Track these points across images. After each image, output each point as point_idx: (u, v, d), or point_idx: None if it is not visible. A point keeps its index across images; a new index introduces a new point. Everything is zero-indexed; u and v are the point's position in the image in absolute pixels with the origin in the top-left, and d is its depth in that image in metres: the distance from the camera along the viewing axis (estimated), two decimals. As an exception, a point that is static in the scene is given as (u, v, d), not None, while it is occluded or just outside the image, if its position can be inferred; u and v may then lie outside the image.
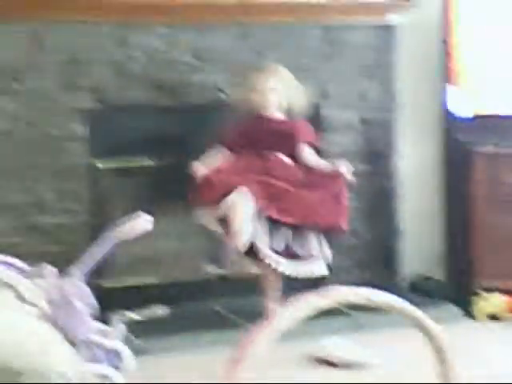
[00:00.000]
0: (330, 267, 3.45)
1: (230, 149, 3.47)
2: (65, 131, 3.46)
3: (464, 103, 3.82)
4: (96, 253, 2.57)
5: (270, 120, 3.46)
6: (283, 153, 3.46)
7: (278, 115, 3.49)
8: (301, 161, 3.46)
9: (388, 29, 3.88)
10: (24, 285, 1.54)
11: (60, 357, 1.39)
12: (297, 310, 1.19)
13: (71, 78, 3.45)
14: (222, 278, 3.51)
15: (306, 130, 3.51)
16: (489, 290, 3.66)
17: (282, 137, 3.43)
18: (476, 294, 3.64)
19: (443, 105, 3.92)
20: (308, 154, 3.48)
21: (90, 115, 3.50)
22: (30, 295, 1.48)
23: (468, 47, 3.80)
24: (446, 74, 3.85)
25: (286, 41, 3.75)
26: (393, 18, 3.87)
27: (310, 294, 1.23)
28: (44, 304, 1.52)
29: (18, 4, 3.34)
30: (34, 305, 1.50)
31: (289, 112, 3.48)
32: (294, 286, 3.52)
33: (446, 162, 4.06)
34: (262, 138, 3.44)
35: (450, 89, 3.82)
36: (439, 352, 1.30)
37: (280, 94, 3.44)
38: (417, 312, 1.29)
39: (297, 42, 3.76)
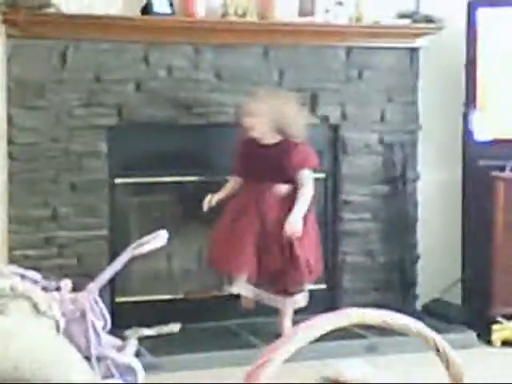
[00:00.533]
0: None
1: (239, 174, 3.48)
2: (86, 147, 3.47)
3: (485, 127, 3.80)
4: (113, 269, 2.57)
5: (265, 144, 3.41)
6: (279, 179, 3.40)
7: (271, 139, 3.41)
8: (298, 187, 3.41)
9: (411, 52, 3.87)
10: (40, 297, 1.54)
11: (73, 369, 1.38)
12: (311, 330, 1.17)
13: (94, 95, 3.47)
14: (237, 296, 3.49)
15: (301, 155, 3.42)
16: (506, 316, 3.62)
17: (274, 163, 3.38)
18: (494, 320, 3.60)
19: (464, 128, 3.90)
20: (302, 186, 3.40)
21: (110, 132, 3.51)
22: (45, 307, 1.47)
23: (490, 71, 3.78)
24: (467, 98, 3.83)
25: (308, 62, 3.75)
26: (416, 41, 3.86)
27: (325, 315, 1.21)
28: (59, 316, 1.51)
29: (44, 21, 3.36)
30: (49, 317, 1.50)
31: (286, 135, 3.41)
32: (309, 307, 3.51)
33: (466, 186, 4.02)
34: (255, 165, 3.41)
35: (471, 113, 3.80)
36: (455, 377, 1.28)
37: (270, 119, 3.37)
38: (433, 335, 1.27)
39: (319, 63, 3.76)
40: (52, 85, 3.41)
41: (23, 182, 3.40)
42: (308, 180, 3.42)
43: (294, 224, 3.32)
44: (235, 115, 3.55)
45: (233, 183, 3.50)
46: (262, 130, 3.39)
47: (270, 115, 3.37)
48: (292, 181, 3.41)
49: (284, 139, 3.41)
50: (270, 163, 3.38)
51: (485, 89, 3.79)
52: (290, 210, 3.35)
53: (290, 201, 3.39)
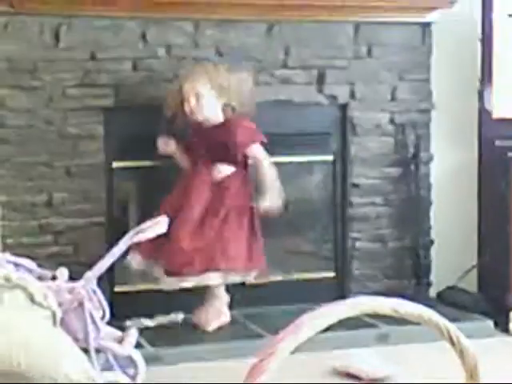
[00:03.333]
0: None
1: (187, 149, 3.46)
2: (82, 130, 3.47)
3: (502, 105, 3.79)
4: (111, 257, 2.58)
5: (206, 127, 3.38)
6: (228, 160, 3.37)
7: (215, 119, 3.38)
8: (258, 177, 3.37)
9: (423, 27, 3.86)
10: (35, 286, 1.55)
11: (69, 360, 1.39)
12: (319, 320, 1.17)
13: (89, 75, 3.47)
14: (243, 284, 3.50)
15: (246, 132, 3.37)
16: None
17: (221, 144, 3.35)
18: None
19: (480, 107, 3.89)
20: (261, 169, 3.36)
21: (107, 113, 3.51)
22: (40, 297, 1.48)
23: (507, 46, 3.77)
24: (483, 75, 3.82)
25: (315, 38, 3.74)
26: (428, 16, 3.85)
27: (333, 304, 1.21)
28: (55, 307, 1.52)
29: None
30: (45, 308, 1.51)
31: (233, 112, 3.38)
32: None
33: (482, 167, 4.02)
34: (202, 148, 3.38)
35: (487, 90, 3.79)
36: (469, 367, 1.28)
37: (212, 97, 3.33)
38: (447, 324, 1.27)
39: (326, 39, 3.75)
40: (45, 64, 3.41)
41: (16, 166, 3.41)
42: (263, 154, 3.37)
43: (274, 206, 3.31)
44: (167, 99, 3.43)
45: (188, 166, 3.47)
46: (209, 111, 3.36)
47: (215, 91, 3.33)
48: (237, 162, 3.37)
49: (227, 118, 3.38)
50: (214, 143, 3.36)
51: (502, 65, 3.78)
52: (221, 192, 3.34)
53: (236, 183, 3.37)
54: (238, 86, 3.38)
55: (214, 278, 3.37)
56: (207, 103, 3.35)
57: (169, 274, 3.31)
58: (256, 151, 3.38)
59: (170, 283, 3.31)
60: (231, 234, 3.36)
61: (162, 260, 3.31)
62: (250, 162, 3.41)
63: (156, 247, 3.24)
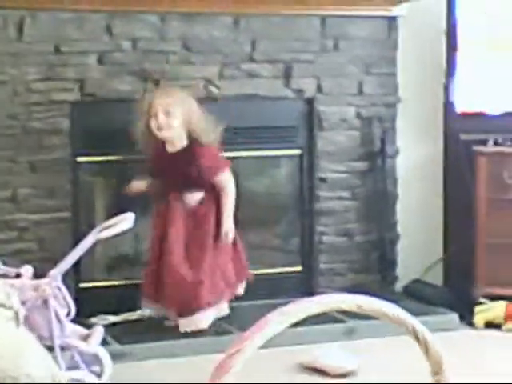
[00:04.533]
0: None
1: (154, 177, 3.44)
2: (46, 124, 3.44)
3: (467, 99, 3.82)
4: (76, 253, 2.56)
5: (173, 152, 3.35)
6: (188, 187, 3.36)
7: (182, 142, 3.35)
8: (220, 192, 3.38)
9: (389, 20, 3.88)
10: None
11: (32, 360, 1.38)
12: (285, 317, 1.18)
13: (54, 69, 3.44)
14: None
15: (213, 160, 3.36)
16: (488, 296, 3.67)
17: (188, 170, 3.32)
18: (477, 301, 3.64)
19: (445, 101, 3.92)
20: (225, 198, 3.36)
21: (72, 107, 3.49)
22: (3, 298, 1.47)
23: (472, 40, 3.80)
24: (448, 69, 3.85)
25: (282, 32, 3.74)
26: (394, 10, 3.87)
27: (298, 302, 1.22)
28: (18, 307, 1.51)
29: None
30: (7, 307, 1.49)
31: (193, 139, 3.35)
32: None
33: (447, 161, 4.06)
34: (165, 173, 3.37)
35: (452, 84, 3.82)
36: (434, 362, 1.30)
37: (180, 119, 3.30)
38: (411, 321, 1.29)
39: (293, 33, 3.76)
40: (8, 58, 3.38)
41: (-21, 161, 3.38)
42: (229, 182, 3.38)
43: (230, 231, 3.34)
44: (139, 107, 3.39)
45: (150, 184, 3.45)
46: (176, 131, 3.33)
47: (183, 115, 3.30)
48: (203, 187, 3.37)
49: (190, 144, 3.35)
50: (180, 170, 3.33)
51: (466, 59, 3.81)
52: (197, 218, 3.34)
53: (198, 208, 3.37)
54: (204, 120, 3.34)
55: (224, 309, 3.42)
56: (176, 123, 3.30)
57: (181, 315, 3.31)
58: (223, 179, 3.38)
59: (184, 325, 3.31)
60: (222, 259, 3.38)
61: (169, 303, 3.32)
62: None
63: (158, 290, 3.31)
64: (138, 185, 3.45)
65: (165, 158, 3.37)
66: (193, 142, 3.35)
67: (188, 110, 3.32)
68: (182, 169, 3.34)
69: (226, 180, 3.38)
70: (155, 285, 3.31)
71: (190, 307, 3.28)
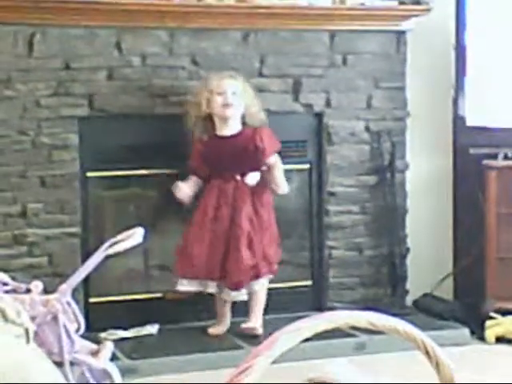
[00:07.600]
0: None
1: (197, 175, 3.49)
2: (56, 139, 3.45)
3: (476, 113, 3.82)
4: (86, 268, 2.56)
5: (229, 136, 3.45)
6: (248, 168, 3.47)
7: (238, 126, 3.48)
8: (270, 176, 3.50)
9: (398, 35, 3.88)
10: (8, 304, 1.53)
11: (41, 377, 1.38)
12: (295, 334, 1.17)
13: (63, 85, 3.45)
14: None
15: (271, 141, 3.49)
16: (499, 311, 3.65)
17: (245, 152, 3.44)
18: (487, 316, 3.62)
19: (454, 115, 3.91)
20: (277, 171, 3.50)
21: (82, 123, 3.50)
22: (13, 315, 1.47)
23: (481, 54, 3.80)
24: (457, 83, 3.85)
25: (290, 47, 3.75)
26: (403, 24, 3.87)
27: (308, 318, 1.22)
28: (28, 324, 1.50)
29: (9, 5, 3.34)
30: (17, 325, 1.49)
31: (247, 122, 3.49)
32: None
33: (457, 175, 4.05)
34: (223, 158, 3.44)
35: (461, 98, 3.82)
36: (445, 379, 1.29)
37: (241, 99, 3.44)
38: (421, 336, 1.28)
39: (302, 48, 3.76)
40: (18, 73, 3.39)
41: (-11, 176, 3.38)
42: (278, 162, 3.52)
43: (284, 186, 3.51)
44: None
45: (193, 184, 3.51)
46: (239, 112, 3.45)
47: (247, 98, 3.46)
48: (259, 168, 3.50)
49: (244, 128, 3.47)
50: (237, 154, 3.42)
51: (476, 73, 3.81)
52: (259, 198, 3.47)
53: (258, 189, 3.48)
54: (255, 98, 3.50)
55: (260, 283, 3.49)
56: (242, 104, 3.44)
57: (231, 288, 3.42)
58: (276, 159, 3.51)
59: (232, 296, 3.44)
60: (266, 239, 3.51)
61: (224, 277, 3.41)
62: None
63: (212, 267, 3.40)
64: (184, 188, 3.47)
65: (220, 141, 3.45)
66: (245, 124, 3.48)
67: (250, 95, 3.47)
68: (241, 151, 3.42)
69: (277, 159, 3.51)
70: (205, 263, 3.39)
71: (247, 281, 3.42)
